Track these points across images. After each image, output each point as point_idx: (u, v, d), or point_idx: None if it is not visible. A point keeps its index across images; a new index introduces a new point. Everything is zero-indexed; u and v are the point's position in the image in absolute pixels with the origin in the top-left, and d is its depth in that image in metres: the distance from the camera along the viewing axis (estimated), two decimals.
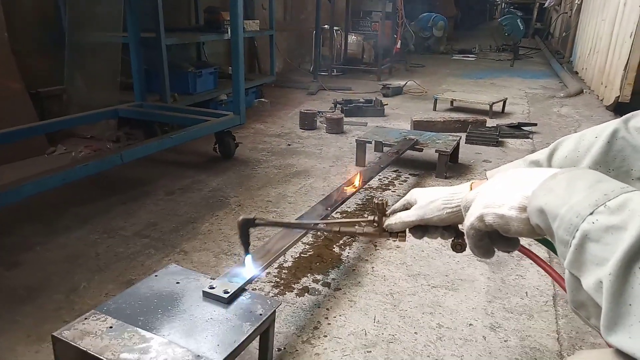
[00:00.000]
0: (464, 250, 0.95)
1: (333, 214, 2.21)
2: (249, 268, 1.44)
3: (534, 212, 0.63)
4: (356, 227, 1.10)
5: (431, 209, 0.93)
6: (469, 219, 0.75)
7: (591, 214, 0.54)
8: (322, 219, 1.92)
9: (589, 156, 0.88)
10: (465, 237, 0.79)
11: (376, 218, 1.03)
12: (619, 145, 0.85)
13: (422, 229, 0.97)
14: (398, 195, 2.84)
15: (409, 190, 1.06)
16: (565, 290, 0.59)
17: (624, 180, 0.66)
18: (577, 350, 1.58)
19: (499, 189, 0.72)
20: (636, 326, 0.47)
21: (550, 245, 1.02)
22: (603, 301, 0.50)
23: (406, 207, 1.00)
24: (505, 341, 1.62)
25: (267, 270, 1.95)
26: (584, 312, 0.58)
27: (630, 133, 0.85)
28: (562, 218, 0.57)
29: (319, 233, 2.24)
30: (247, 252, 1.34)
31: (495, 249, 0.80)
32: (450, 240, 0.97)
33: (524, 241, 0.84)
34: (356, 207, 2.65)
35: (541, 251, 1.63)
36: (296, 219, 1.95)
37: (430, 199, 0.94)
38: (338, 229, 1.10)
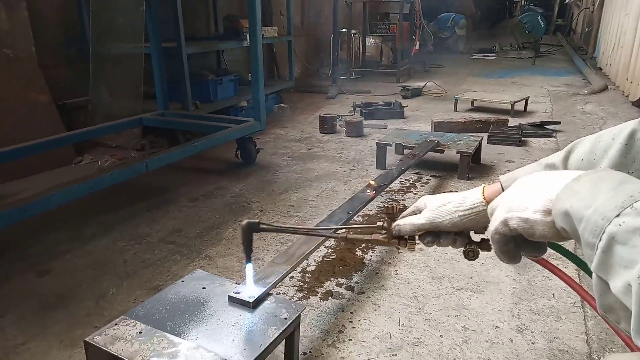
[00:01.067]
0: (477, 257, 0.93)
1: (355, 218, 2.21)
2: (249, 278, 1.37)
3: (559, 215, 0.62)
4: (365, 235, 1.04)
5: (442, 212, 0.91)
6: (494, 224, 0.74)
7: (617, 215, 0.53)
8: (340, 224, 1.92)
9: (606, 158, 0.86)
10: (490, 242, 0.78)
11: (385, 224, 0.99)
12: (638, 147, 0.83)
13: (433, 235, 0.95)
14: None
15: (431, 193, 1.06)
16: (582, 297, 0.58)
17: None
18: (608, 353, 1.55)
19: (522, 193, 0.71)
20: None
21: (562, 251, 0.99)
22: (632, 304, 0.49)
23: (415, 213, 0.98)
24: (532, 343, 1.60)
25: (290, 275, 1.97)
26: (613, 316, 0.57)
27: None
28: (587, 220, 0.56)
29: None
30: (248, 259, 1.27)
31: (522, 254, 0.79)
32: (462, 248, 0.94)
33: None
34: (378, 210, 2.65)
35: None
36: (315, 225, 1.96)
37: (441, 202, 0.93)
38: (345, 236, 1.06)
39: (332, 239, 2.23)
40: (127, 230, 2.45)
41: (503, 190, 0.92)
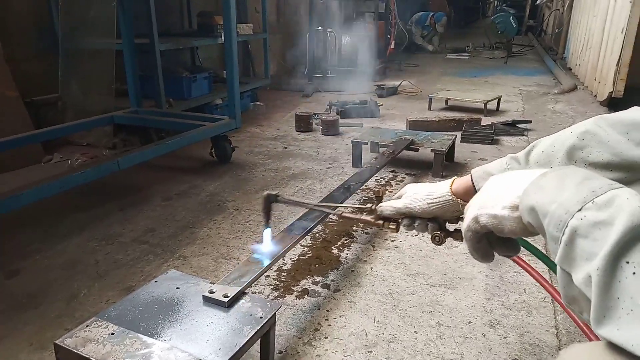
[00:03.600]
0: (442, 243, 1.03)
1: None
2: (266, 242, 1.54)
3: (526, 210, 0.65)
4: (357, 214, 1.18)
5: (415, 199, 1.03)
6: (465, 222, 0.78)
7: (579, 210, 0.56)
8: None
9: (562, 151, 0.92)
10: (464, 239, 0.81)
11: (373, 206, 1.13)
12: (588, 140, 0.89)
13: (409, 218, 1.06)
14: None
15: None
16: (549, 292, 0.61)
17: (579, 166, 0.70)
18: (571, 344, 1.59)
19: (493, 191, 0.74)
20: (624, 318, 0.49)
21: (531, 248, 1.06)
22: (592, 295, 0.52)
23: (399, 198, 1.10)
24: (504, 338, 1.63)
25: (266, 274, 1.96)
26: (577, 307, 0.59)
27: (601, 127, 0.89)
28: (552, 215, 0.59)
29: (317, 234, 2.26)
30: (267, 225, 1.44)
31: (496, 253, 0.82)
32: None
33: None
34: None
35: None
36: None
37: (416, 191, 1.05)
38: (341, 213, 1.21)
39: (309, 235, 2.25)
40: (99, 230, 2.40)
41: (472, 183, 0.97)
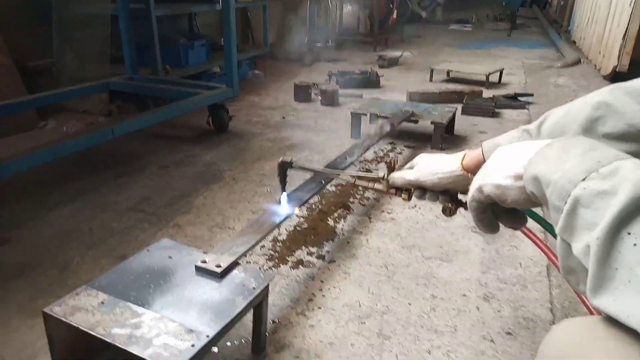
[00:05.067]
0: (452, 214, 1.02)
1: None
2: (284, 205, 1.63)
3: (529, 180, 0.63)
4: (370, 183, 1.19)
5: (425, 172, 1.02)
6: (470, 192, 0.77)
7: (583, 179, 0.54)
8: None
9: (576, 123, 0.88)
10: (468, 210, 0.80)
11: (385, 175, 1.13)
12: (603, 110, 0.85)
13: (420, 190, 1.05)
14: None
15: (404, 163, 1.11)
16: (555, 265, 0.60)
17: (594, 138, 0.68)
18: (562, 319, 1.59)
19: (498, 161, 0.74)
20: (621, 289, 0.48)
21: (541, 221, 1.03)
22: (590, 264, 0.51)
23: (411, 168, 1.08)
24: (498, 311, 1.63)
25: (261, 244, 1.95)
26: (574, 277, 0.58)
27: (616, 97, 0.84)
28: (555, 184, 0.57)
29: (315, 206, 2.24)
30: (283, 190, 1.53)
31: (502, 225, 0.81)
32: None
33: None
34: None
35: None
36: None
37: (427, 163, 1.03)
38: (354, 181, 1.22)
39: (306, 206, 2.23)
40: (94, 198, 2.38)
41: (483, 156, 0.94)
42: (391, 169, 1.13)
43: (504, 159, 0.72)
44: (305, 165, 1.43)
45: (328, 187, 2.42)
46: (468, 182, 0.97)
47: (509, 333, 1.53)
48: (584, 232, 0.53)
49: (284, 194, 1.60)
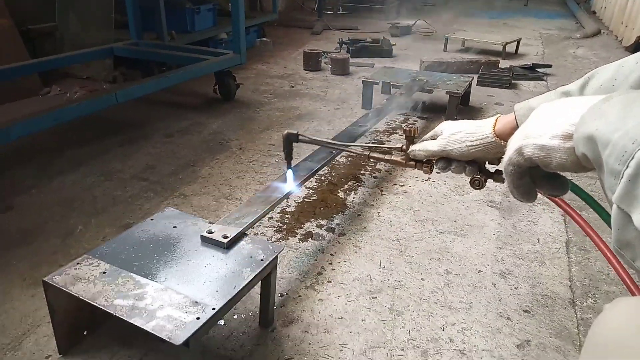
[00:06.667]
0: (482, 187, 0.94)
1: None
2: (289, 182, 1.54)
3: (581, 140, 0.53)
4: (386, 155, 1.10)
5: (452, 141, 0.92)
6: (507, 154, 0.66)
7: None
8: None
9: (626, 84, 0.77)
10: (504, 175, 0.69)
11: (404, 146, 1.04)
12: None
13: (445, 161, 0.96)
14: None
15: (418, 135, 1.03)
16: (593, 241, 0.51)
17: None
18: (590, 300, 1.52)
19: (541, 120, 0.62)
20: None
21: (582, 195, 0.91)
22: None
23: (433, 139, 0.99)
24: (515, 288, 1.56)
25: (269, 215, 1.89)
26: (630, 252, 0.50)
27: None
28: (614, 145, 0.48)
29: (326, 173, 2.16)
30: (289, 166, 1.41)
31: (539, 192, 0.71)
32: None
33: None
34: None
35: None
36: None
37: (454, 130, 0.93)
38: (368, 153, 1.13)
39: (315, 178, 2.15)
40: (98, 166, 2.32)
41: (516, 120, 0.85)
42: (411, 139, 1.03)
43: (550, 116, 0.62)
44: (313, 138, 1.31)
45: (338, 158, 2.35)
46: (500, 150, 0.88)
47: (526, 311, 1.46)
48: None
49: (290, 171, 1.52)
